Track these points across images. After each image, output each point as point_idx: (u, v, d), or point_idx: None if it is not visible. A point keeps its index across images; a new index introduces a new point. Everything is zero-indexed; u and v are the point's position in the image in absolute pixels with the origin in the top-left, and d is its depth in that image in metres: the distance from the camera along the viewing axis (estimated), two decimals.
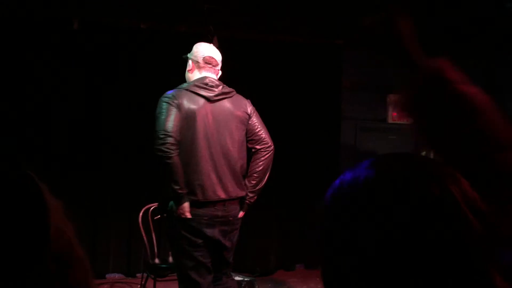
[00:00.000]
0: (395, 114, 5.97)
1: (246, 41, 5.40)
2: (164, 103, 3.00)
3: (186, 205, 2.96)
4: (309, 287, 5.02)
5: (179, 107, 2.99)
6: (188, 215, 2.97)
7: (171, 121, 2.94)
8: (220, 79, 3.30)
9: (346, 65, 5.76)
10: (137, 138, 5.09)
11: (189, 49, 3.92)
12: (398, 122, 5.97)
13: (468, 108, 0.84)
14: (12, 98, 4.76)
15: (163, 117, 2.96)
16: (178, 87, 3.16)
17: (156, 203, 4.34)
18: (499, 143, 0.79)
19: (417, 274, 0.56)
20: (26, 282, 0.58)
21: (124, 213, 5.09)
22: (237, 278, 4.19)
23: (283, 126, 5.48)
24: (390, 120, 5.97)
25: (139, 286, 4.40)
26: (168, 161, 2.89)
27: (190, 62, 3.29)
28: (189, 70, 3.27)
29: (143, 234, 4.12)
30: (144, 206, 4.30)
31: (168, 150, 2.89)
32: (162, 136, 2.91)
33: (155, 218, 4.04)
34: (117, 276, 5.20)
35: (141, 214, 4.21)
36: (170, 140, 2.91)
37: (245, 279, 4.11)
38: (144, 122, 5.05)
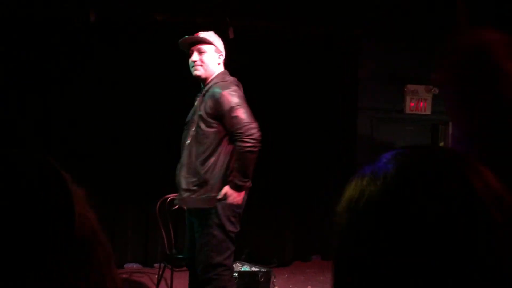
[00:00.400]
0: (412, 104, 5.91)
1: (259, 31, 5.37)
2: (236, 94, 3.01)
3: (244, 192, 3.06)
4: (326, 278, 5.01)
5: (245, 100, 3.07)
6: (241, 202, 3.07)
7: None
8: (235, 71, 3.33)
9: (362, 55, 5.70)
10: (154, 129, 5.13)
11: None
12: (416, 112, 5.91)
13: (507, 85, 0.85)
14: (29, 93, 4.82)
15: (245, 109, 2.99)
16: (226, 80, 3.12)
17: (174, 194, 4.37)
18: None
19: (432, 272, 0.55)
20: (53, 265, 0.61)
21: (142, 204, 5.13)
22: (253, 269, 4.21)
23: (298, 118, 5.46)
24: (407, 111, 5.91)
25: (156, 276, 4.45)
26: (257, 151, 2.99)
27: (222, 55, 3.20)
28: (219, 64, 3.20)
29: (161, 225, 4.15)
30: (162, 197, 4.32)
31: (260, 141, 3.00)
32: (256, 127, 2.97)
33: (174, 208, 4.05)
34: (135, 266, 5.26)
35: (158, 204, 4.24)
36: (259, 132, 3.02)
37: (262, 270, 4.12)
38: (160, 115, 5.11)
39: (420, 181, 0.58)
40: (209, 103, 3.01)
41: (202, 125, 3.02)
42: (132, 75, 5.09)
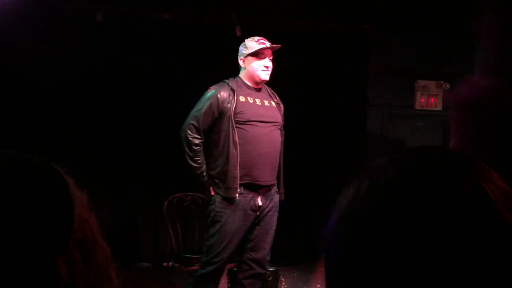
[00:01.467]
0: (423, 100, 5.83)
1: (268, 27, 5.32)
2: None
3: None
4: None
5: None
6: None
7: None
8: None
9: (373, 50, 5.63)
10: (162, 128, 5.11)
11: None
12: (426, 108, 5.83)
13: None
14: (36, 92, 4.82)
15: None
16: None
17: (181, 193, 4.36)
18: None
19: (444, 283, 0.51)
20: (52, 266, 0.63)
21: (152, 203, 5.12)
22: None
23: (307, 113, 5.41)
24: (417, 107, 5.83)
25: (165, 275, 4.44)
26: None
27: None
28: None
29: (169, 224, 4.15)
30: (169, 196, 4.32)
31: None
32: None
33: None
34: (145, 265, 5.26)
35: (165, 204, 4.23)
36: None
37: (270, 269, 4.09)
38: (167, 114, 5.09)
39: (425, 184, 0.55)
40: (282, 111, 3.47)
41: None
42: (139, 74, 5.08)
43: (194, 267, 4.55)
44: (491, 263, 0.52)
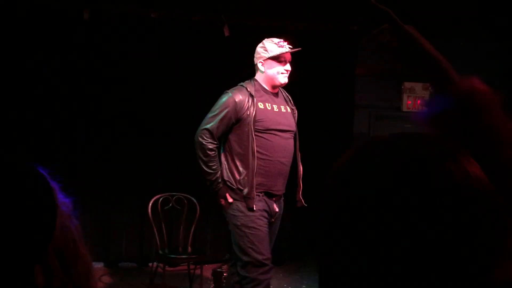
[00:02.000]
0: (409, 102, 5.86)
1: (257, 28, 5.31)
2: None
3: None
4: None
5: None
6: None
7: None
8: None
9: (360, 51, 5.65)
10: (148, 128, 5.09)
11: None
12: (413, 110, 5.86)
13: (493, 141, 0.79)
14: (25, 92, 4.78)
15: None
16: None
17: (166, 193, 4.35)
18: None
19: (407, 264, 0.52)
20: (29, 275, 0.62)
21: (137, 203, 5.10)
22: None
23: (306, 113, 5.40)
24: (404, 108, 5.86)
25: (151, 275, 4.42)
26: None
27: None
28: None
29: (153, 224, 4.13)
30: (154, 196, 4.30)
31: None
32: None
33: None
34: (130, 265, 5.24)
35: (150, 204, 4.22)
36: None
37: None
38: (153, 114, 5.07)
39: (415, 165, 0.55)
40: (296, 117, 3.40)
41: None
42: (126, 73, 5.05)
43: (179, 268, 4.55)
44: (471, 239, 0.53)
